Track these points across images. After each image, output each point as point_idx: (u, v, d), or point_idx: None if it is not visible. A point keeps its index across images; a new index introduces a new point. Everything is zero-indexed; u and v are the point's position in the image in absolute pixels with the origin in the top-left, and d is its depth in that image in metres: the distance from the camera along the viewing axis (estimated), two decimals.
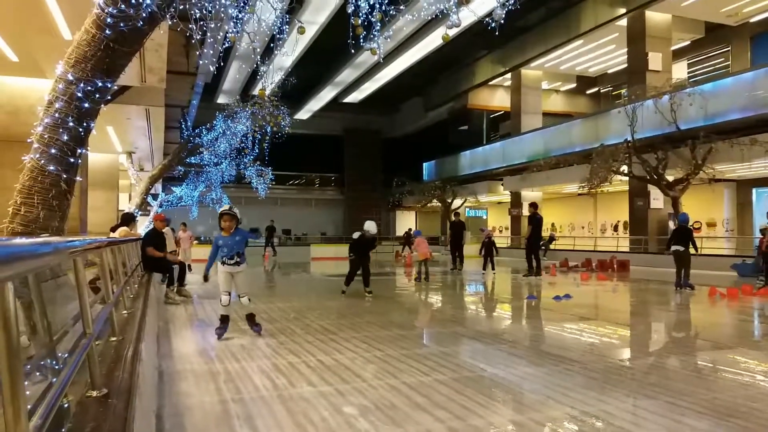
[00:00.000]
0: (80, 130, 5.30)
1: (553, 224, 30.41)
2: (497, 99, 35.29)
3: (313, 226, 40.94)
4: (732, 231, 23.83)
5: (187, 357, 5.88)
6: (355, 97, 35.99)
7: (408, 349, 6.11)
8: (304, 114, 37.61)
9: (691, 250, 12.23)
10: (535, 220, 15.71)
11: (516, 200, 30.33)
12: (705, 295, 11.47)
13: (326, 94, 34.69)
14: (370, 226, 11.08)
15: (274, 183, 24.59)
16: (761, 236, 14.39)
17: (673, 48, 23.67)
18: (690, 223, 13.58)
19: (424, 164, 39.17)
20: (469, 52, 32.06)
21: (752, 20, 22.99)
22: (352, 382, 4.77)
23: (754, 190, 23.57)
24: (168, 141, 21.49)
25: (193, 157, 22.11)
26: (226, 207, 7.09)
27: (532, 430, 3.80)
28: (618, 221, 28.35)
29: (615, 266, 18.86)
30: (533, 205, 16.00)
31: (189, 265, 14.55)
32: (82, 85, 5.18)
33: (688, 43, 25.31)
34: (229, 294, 6.91)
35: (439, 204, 34.43)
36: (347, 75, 30.66)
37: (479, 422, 3.78)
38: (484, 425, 3.75)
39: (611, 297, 12.56)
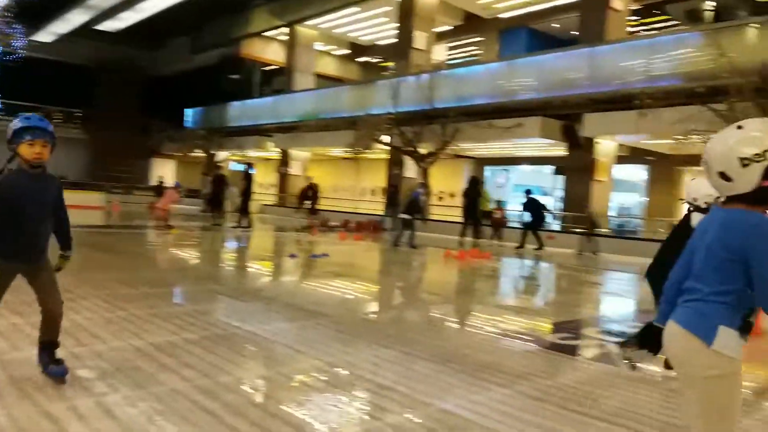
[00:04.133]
0: None
1: (313, 184, 30.87)
2: (271, 52, 34.60)
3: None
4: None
5: None
6: (112, 25, 32.16)
7: (157, 308, 5.78)
8: (46, 36, 32.49)
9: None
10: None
11: (285, 158, 30.41)
12: (441, 256, 12.95)
13: (76, 17, 30.38)
14: None
15: (3, 114, 20.93)
16: (495, 207, 16.79)
17: (436, 30, 25.64)
18: (422, 194, 15.48)
19: (188, 110, 36.90)
20: None
21: (501, 16, 25.95)
22: (89, 344, 4.36)
23: (486, 167, 27.11)
24: None
25: None
26: None
27: (280, 383, 3.92)
28: (377, 186, 30.29)
29: (371, 228, 20.18)
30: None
31: None
32: None
33: (450, 28, 27.63)
34: None
35: (203, 155, 32.88)
36: None
37: (227, 379, 3.77)
38: (232, 381, 3.74)
39: (364, 256, 13.46)
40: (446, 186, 26.86)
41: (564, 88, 18.00)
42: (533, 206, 15.70)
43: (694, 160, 19.95)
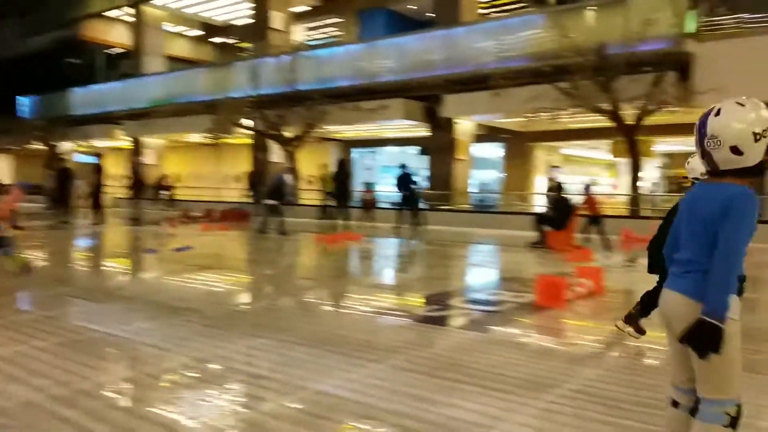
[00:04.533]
0: None
1: (165, 176, 29.06)
2: (116, 34, 32.06)
3: None
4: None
5: None
6: None
7: (0, 318, 5.19)
8: None
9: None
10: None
11: (137, 147, 28.48)
12: (312, 241, 12.90)
13: None
14: None
15: None
16: (365, 190, 16.98)
17: (294, 10, 25.20)
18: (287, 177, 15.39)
19: (23, 99, 33.29)
20: None
21: None
22: None
23: (353, 150, 27.33)
24: None
25: None
26: None
27: (146, 384, 3.69)
28: (240, 173, 29.38)
29: (236, 217, 19.56)
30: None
31: None
32: None
33: (308, 8, 27.25)
34: None
35: (44, 147, 29.85)
36: None
37: (86, 385, 3.48)
38: (91, 387, 3.47)
39: (231, 246, 13.04)
40: (313, 169, 26.74)
41: (423, 69, 18.55)
42: (405, 182, 15.96)
43: (544, 136, 21.64)
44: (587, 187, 12.05)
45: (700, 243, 2.10)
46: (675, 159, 24.02)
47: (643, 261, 4.49)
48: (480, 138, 21.47)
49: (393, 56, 19.62)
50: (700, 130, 2.16)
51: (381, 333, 5.03)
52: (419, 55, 18.80)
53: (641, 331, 4.51)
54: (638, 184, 16.31)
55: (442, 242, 13.72)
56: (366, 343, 4.55)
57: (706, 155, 2.14)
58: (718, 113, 2.12)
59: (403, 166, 16.34)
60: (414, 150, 24.29)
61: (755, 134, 2.05)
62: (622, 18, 14.63)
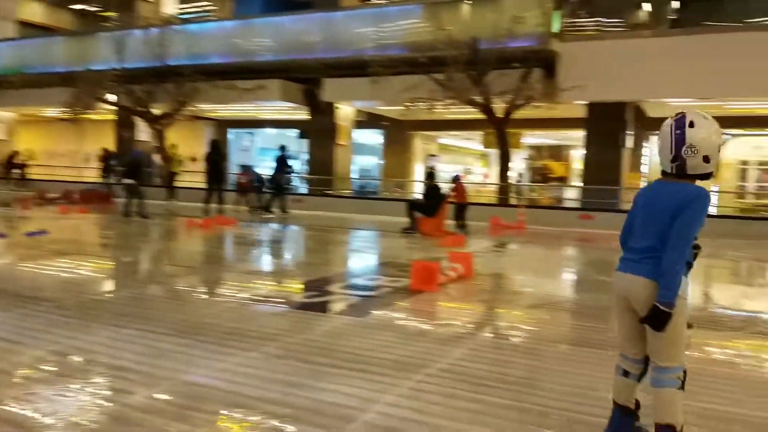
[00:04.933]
0: None
1: (16, 152, 26.35)
2: None
3: None
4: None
5: None
6: None
7: None
8: None
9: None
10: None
11: None
12: (184, 225, 12.33)
13: None
14: None
15: None
16: (239, 172, 16.43)
17: None
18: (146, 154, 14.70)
19: None
20: None
21: None
22: None
23: (230, 130, 26.42)
24: None
25: None
26: None
27: None
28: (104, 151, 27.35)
29: (99, 198, 18.21)
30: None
31: None
32: None
33: None
34: None
35: None
36: None
37: None
38: None
39: (91, 230, 12.15)
40: (187, 150, 25.56)
41: (302, 51, 18.30)
42: (281, 164, 15.69)
43: (422, 125, 22.22)
44: (456, 177, 12.70)
45: (662, 233, 2.40)
46: (540, 151, 25.78)
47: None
48: (361, 124, 21.64)
49: (270, 35, 19.14)
50: (678, 138, 2.42)
51: (255, 321, 4.94)
52: (297, 37, 18.49)
53: None
54: (508, 174, 17.29)
55: (322, 228, 13.72)
56: (238, 331, 4.45)
57: (679, 159, 2.43)
58: (692, 125, 2.41)
59: (282, 148, 16.07)
60: (293, 133, 23.96)
61: (719, 146, 2.42)
62: (493, 14, 15.35)
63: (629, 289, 2.51)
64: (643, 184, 18.82)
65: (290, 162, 16.30)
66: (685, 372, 2.48)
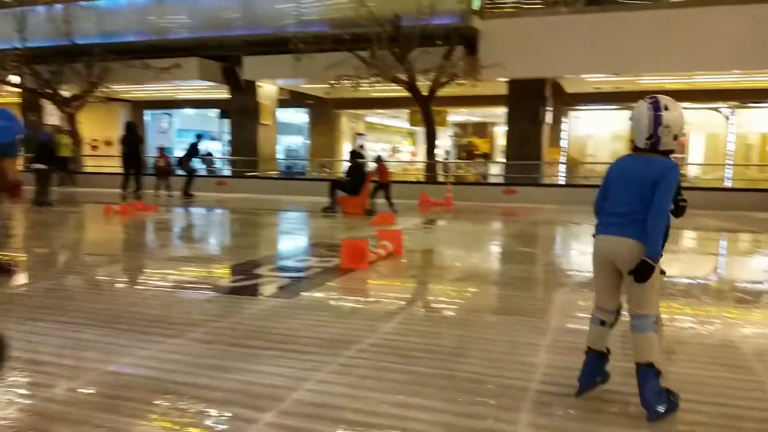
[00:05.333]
0: None
1: None
2: None
3: None
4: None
5: None
6: None
7: None
8: None
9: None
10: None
11: None
12: (101, 213, 11.77)
13: None
14: None
15: None
16: (159, 155, 15.81)
17: None
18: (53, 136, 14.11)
19: None
20: None
21: None
22: None
23: (147, 111, 25.35)
24: None
25: None
26: None
27: None
28: None
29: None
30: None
31: None
32: None
33: None
34: None
35: None
36: None
37: None
38: None
39: None
40: (101, 133, 24.38)
41: (220, 28, 17.71)
42: (192, 152, 15.17)
43: (348, 103, 22.10)
44: (378, 157, 12.82)
45: (638, 199, 2.77)
46: (466, 129, 26.25)
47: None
48: (284, 103, 21.28)
49: (186, 12, 18.39)
50: (656, 119, 2.78)
51: (180, 307, 4.81)
52: (215, 13, 17.87)
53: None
54: (435, 151, 17.51)
55: (248, 210, 13.47)
56: (163, 318, 4.33)
57: (654, 138, 2.79)
58: (666, 108, 2.78)
59: (199, 136, 15.50)
60: (214, 113, 23.29)
61: (683, 127, 2.82)
62: None
63: (613, 249, 2.85)
64: (563, 158, 19.60)
65: (201, 150, 15.77)
66: (658, 317, 2.83)
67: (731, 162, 18.57)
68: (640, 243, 2.73)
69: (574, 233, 10.51)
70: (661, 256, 2.76)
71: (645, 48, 14.52)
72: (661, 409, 2.75)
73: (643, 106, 2.81)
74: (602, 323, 2.99)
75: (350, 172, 12.09)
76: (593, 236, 2.97)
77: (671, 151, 2.84)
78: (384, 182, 11.99)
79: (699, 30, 14.20)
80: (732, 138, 18.95)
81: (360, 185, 11.71)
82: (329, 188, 12.10)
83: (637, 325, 2.81)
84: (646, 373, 2.76)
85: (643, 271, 2.69)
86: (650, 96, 2.85)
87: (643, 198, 2.76)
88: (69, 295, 5.31)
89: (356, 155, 12.48)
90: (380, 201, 11.88)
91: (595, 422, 2.72)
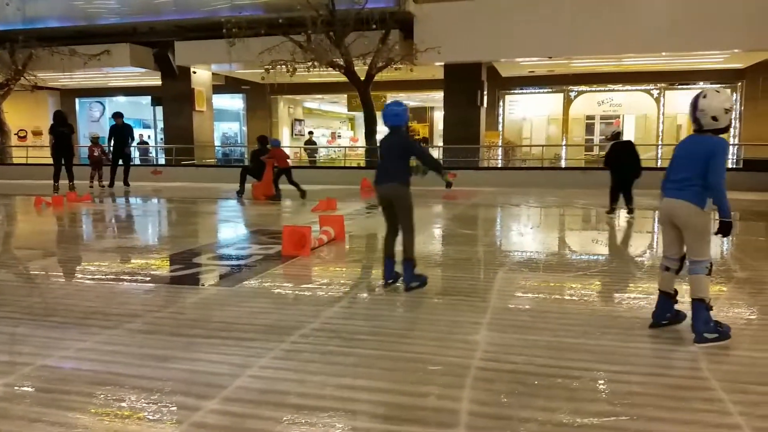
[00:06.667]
0: None
1: None
2: None
3: None
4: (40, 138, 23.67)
5: None
6: None
7: None
8: None
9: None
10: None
11: None
12: (32, 205, 11.27)
13: None
14: None
15: None
16: (90, 145, 15.16)
17: None
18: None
19: None
20: None
21: None
22: None
23: (77, 100, 24.27)
24: None
25: None
26: None
27: None
28: None
29: None
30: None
31: None
32: None
33: None
34: None
35: None
36: None
37: None
38: None
39: None
40: (29, 123, 23.26)
41: (150, 13, 17.09)
42: (117, 134, 14.46)
43: (285, 89, 21.76)
44: (276, 143, 12.88)
45: (694, 169, 3.48)
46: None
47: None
48: (220, 89, 20.81)
49: None
50: (693, 105, 3.53)
51: (117, 299, 4.70)
52: None
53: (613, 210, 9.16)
54: (375, 138, 17.51)
55: (185, 199, 13.17)
56: (99, 310, 4.24)
57: (696, 121, 3.53)
58: (705, 96, 3.50)
59: (118, 116, 14.66)
60: (146, 100, 22.51)
61: (724, 110, 3.47)
62: None
63: (671, 208, 3.60)
64: (500, 142, 20.00)
65: (132, 132, 15.05)
66: (711, 263, 3.54)
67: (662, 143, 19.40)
68: (692, 204, 3.47)
69: (513, 214, 10.81)
70: (708, 215, 3.50)
71: (577, 31, 14.95)
72: (708, 336, 3.43)
73: (692, 98, 3.55)
74: (667, 269, 3.72)
75: (252, 158, 12.59)
76: (660, 199, 3.71)
77: (722, 130, 3.51)
78: (284, 167, 12.11)
79: (628, 13, 14.71)
80: (661, 119, 19.82)
81: (260, 171, 12.12)
82: (240, 174, 12.64)
83: (693, 269, 3.53)
84: (699, 306, 3.46)
85: (724, 228, 3.42)
86: (702, 90, 3.63)
87: (695, 168, 3.47)
88: (0, 289, 5.10)
89: (264, 141, 12.53)
90: (287, 186, 11.93)
91: (536, 396, 2.81)
